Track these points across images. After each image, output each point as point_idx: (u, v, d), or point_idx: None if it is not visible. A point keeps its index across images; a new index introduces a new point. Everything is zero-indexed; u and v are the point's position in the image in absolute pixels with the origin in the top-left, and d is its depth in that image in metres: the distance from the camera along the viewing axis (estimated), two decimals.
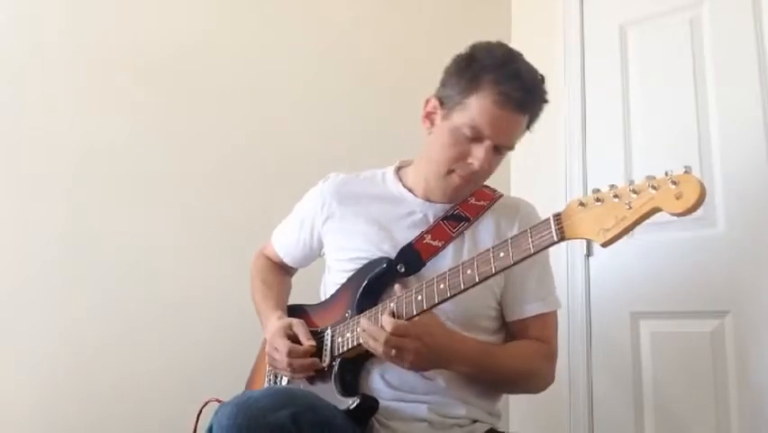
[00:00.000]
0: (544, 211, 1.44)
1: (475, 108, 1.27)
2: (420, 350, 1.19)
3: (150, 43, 2.01)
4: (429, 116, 1.37)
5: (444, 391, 1.29)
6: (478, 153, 1.29)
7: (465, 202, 1.41)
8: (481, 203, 1.41)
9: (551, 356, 1.39)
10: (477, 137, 1.28)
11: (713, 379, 1.83)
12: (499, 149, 1.31)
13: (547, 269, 1.41)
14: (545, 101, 1.33)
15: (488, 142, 1.28)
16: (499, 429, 1.36)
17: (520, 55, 1.32)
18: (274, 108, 2.13)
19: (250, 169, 2.06)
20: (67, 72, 1.91)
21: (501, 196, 1.45)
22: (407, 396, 1.28)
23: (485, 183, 1.46)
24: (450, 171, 1.33)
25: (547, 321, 1.39)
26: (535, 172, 2.29)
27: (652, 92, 2.10)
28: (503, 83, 1.25)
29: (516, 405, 2.07)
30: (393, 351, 1.18)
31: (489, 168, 1.32)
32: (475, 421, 1.32)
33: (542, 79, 1.32)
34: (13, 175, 1.82)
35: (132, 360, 1.85)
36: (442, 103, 1.33)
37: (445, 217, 1.39)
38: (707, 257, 1.87)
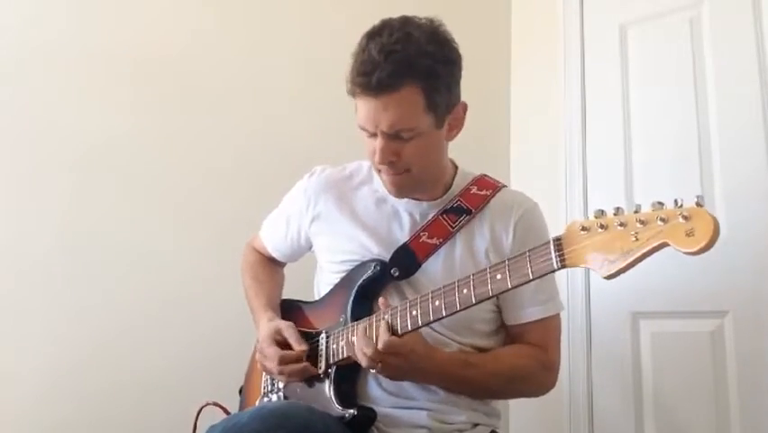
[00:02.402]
0: (544, 213, 1.43)
1: (357, 108, 1.25)
2: (402, 366, 1.18)
3: (149, 44, 2.01)
4: None
5: (444, 397, 1.27)
6: (376, 148, 1.24)
7: (467, 192, 1.35)
8: (483, 192, 1.35)
9: (548, 365, 1.33)
10: (371, 134, 1.25)
11: (713, 379, 1.83)
12: (396, 135, 1.22)
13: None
14: (414, 61, 1.18)
15: (377, 137, 1.23)
16: (499, 430, 1.35)
17: (390, 25, 1.22)
18: (273, 108, 2.13)
19: (249, 168, 2.06)
20: (66, 72, 1.91)
21: (503, 187, 1.39)
22: (407, 402, 1.27)
23: (486, 174, 1.42)
24: (378, 170, 1.31)
25: (547, 327, 1.34)
26: (535, 172, 2.29)
27: (652, 92, 2.10)
28: (355, 73, 1.21)
29: (516, 405, 2.06)
30: (379, 365, 1.18)
31: (403, 155, 1.24)
32: (476, 425, 1.31)
33: (408, 40, 1.19)
34: (13, 174, 1.83)
35: (130, 359, 1.85)
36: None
37: (445, 211, 1.34)
38: (707, 257, 1.86)
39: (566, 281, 2.09)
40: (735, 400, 1.79)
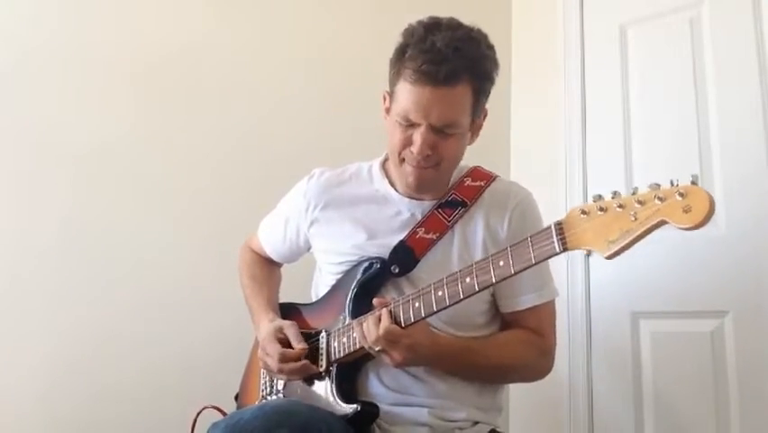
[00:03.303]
0: (544, 211, 1.43)
1: (400, 95, 1.24)
2: (407, 357, 1.19)
3: (149, 44, 2.01)
4: (387, 111, 1.33)
5: (445, 394, 1.28)
6: (415, 139, 1.24)
7: (461, 184, 1.36)
8: (477, 183, 1.36)
9: (546, 349, 1.35)
10: (411, 123, 1.24)
11: (713, 379, 1.83)
12: (440, 129, 1.23)
13: None
14: (478, 62, 1.23)
15: (421, 128, 1.23)
16: (499, 429, 1.35)
17: (446, 23, 1.24)
18: (273, 108, 2.13)
19: (249, 167, 2.06)
20: (66, 71, 1.91)
21: (496, 178, 1.40)
22: (408, 399, 1.27)
23: (480, 165, 1.42)
24: (402, 161, 1.29)
25: (543, 313, 1.35)
26: (536, 172, 2.29)
27: (652, 92, 2.10)
28: (416, 60, 1.20)
29: (516, 405, 2.07)
30: (381, 350, 1.19)
31: (437, 150, 1.25)
32: (476, 423, 1.31)
33: (471, 40, 1.23)
34: (12, 174, 1.83)
35: (128, 362, 1.86)
36: (390, 93, 1.31)
37: (440, 205, 1.34)
38: (707, 257, 1.87)
39: (566, 281, 2.10)
40: (735, 400, 1.79)
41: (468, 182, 1.37)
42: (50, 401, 1.78)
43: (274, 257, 1.58)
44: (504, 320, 1.37)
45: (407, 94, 1.22)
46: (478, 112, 1.29)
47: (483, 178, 1.38)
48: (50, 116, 1.88)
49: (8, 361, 1.76)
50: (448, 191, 1.36)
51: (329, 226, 1.41)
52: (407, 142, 1.26)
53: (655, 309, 1.98)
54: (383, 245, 1.34)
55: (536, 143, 2.33)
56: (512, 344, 1.33)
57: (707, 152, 1.94)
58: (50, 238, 1.84)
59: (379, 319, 1.19)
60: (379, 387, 1.28)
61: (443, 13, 1.30)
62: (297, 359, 1.29)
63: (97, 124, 1.92)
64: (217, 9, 2.13)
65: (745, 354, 1.79)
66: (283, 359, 1.29)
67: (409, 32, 1.25)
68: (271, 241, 1.56)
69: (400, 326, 1.19)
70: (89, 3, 1.98)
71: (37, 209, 1.84)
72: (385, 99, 1.34)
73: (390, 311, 1.20)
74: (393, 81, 1.27)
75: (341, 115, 2.18)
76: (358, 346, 1.24)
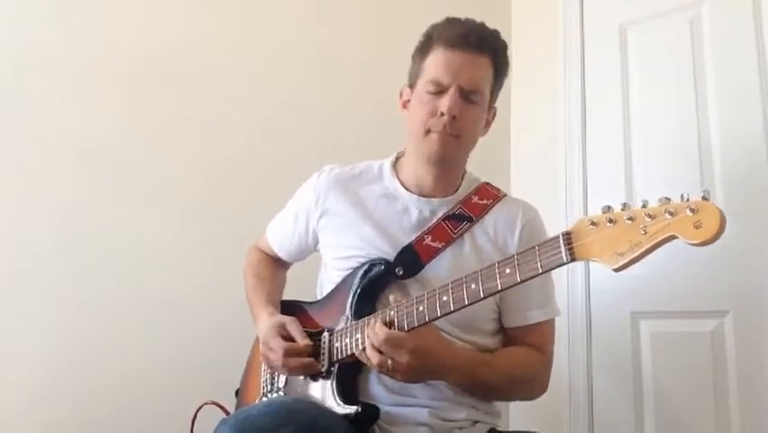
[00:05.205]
0: (544, 213, 1.44)
1: (430, 64, 1.33)
2: (412, 363, 1.16)
3: (149, 43, 2.01)
4: (405, 105, 1.41)
5: (445, 394, 1.28)
6: (444, 102, 1.29)
7: (468, 201, 1.38)
8: (485, 202, 1.39)
9: (547, 365, 1.38)
10: (440, 90, 1.31)
11: (713, 379, 1.83)
12: (466, 95, 1.30)
13: (548, 276, 1.34)
14: (501, 45, 1.36)
15: (451, 90, 1.29)
16: (499, 428, 1.36)
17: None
18: (273, 107, 2.13)
19: (247, 167, 2.06)
20: (66, 71, 1.91)
21: (505, 196, 1.43)
22: (408, 400, 1.27)
23: (489, 182, 1.45)
24: (427, 132, 1.33)
25: (546, 330, 1.38)
26: (535, 173, 2.29)
27: (652, 92, 2.10)
28: (448, 31, 1.32)
29: (516, 405, 2.06)
30: (389, 361, 1.17)
31: (462, 118, 1.30)
32: (476, 423, 1.32)
33: (494, 31, 1.36)
34: (10, 173, 1.83)
35: (129, 358, 1.85)
36: (410, 85, 1.40)
37: (447, 217, 1.36)
38: (707, 257, 1.87)
39: (566, 281, 2.10)
40: (735, 400, 1.79)
41: (474, 200, 1.40)
42: (49, 400, 1.77)
43: (282, 255, 1.58)
44: (506, 335, 1.38)
45: (438, 61, 1.31)
46: (494, 92, 1.38)
47: (490, 197, 1.41)
48: (50, 116, 1.88)
49: (7, 360, 1.76)
50: (456, 205, 1.38)
51: (338, 219, 1.42)
52: (434, 111, 1.30)
53: (655, 309, 1.98)
54: (392, 241, 1.35)
55: (536, 143, 2.33)
56: (520, 358, 1.34)
57: (707, 152, 1.94)
58: (50, 238, 1.84)
59: (376, 334, 1.18)
60: (379, 388, 1.28)
61: (443, 13, 1.32)
62: (302, 354, 1.29)
63: (97, 124, 1.92)
64: (217, 9, 2.13)
65: (745, 354, 1.79)
66: (287, 354, 1.29)
67: (432, 26, 1.36)
68: (279, 238, 1.56)
69: (403, 330, 1.18)
70: (89, 2, 1.98)
71: (36, 209, 1.83)
72: (401, 95, 1.42)
73: (384, 320, 1.20)
74: (420, 61, 1.35)
75: (342, 116, 2.18)
76: (360, 349, 1.24)
